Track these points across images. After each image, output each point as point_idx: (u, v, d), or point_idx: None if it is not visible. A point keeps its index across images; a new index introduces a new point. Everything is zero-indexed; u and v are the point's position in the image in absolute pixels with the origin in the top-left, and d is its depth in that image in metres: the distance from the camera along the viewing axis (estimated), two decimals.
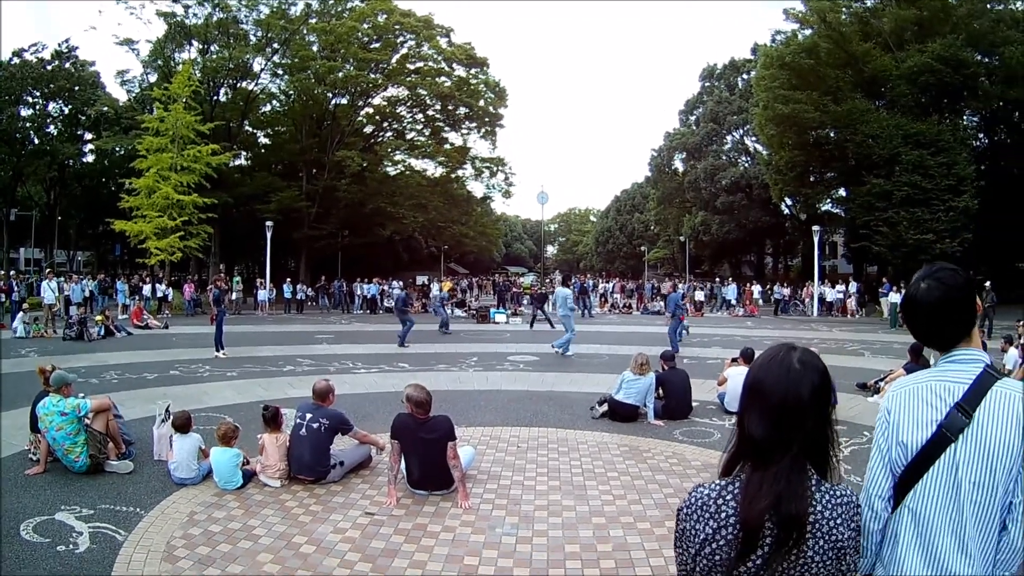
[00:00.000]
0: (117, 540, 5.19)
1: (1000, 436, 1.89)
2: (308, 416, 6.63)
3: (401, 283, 37.58)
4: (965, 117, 38.01)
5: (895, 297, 26.21)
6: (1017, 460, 1.90)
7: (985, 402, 1.92)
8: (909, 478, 1.95)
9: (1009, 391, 1.93)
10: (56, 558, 4.88)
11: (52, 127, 47.02)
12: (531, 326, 24.35)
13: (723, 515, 1.70)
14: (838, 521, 1.69)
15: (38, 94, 44.97)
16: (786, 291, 36.13)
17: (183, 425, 6.72)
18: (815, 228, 35.30)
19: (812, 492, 1.69)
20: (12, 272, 27.82)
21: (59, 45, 45.13)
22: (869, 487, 2.02)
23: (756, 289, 36.65)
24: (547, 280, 45.80)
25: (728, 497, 1.71)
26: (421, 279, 44.62)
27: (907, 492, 1.96)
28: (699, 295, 36.93)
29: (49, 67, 44.56)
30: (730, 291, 35.79)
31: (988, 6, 34.50)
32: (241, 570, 4.72)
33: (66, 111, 46.90)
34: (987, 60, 34.72)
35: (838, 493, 1.73)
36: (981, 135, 39.40)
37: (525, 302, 35.57)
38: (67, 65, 45.52)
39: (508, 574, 4.75)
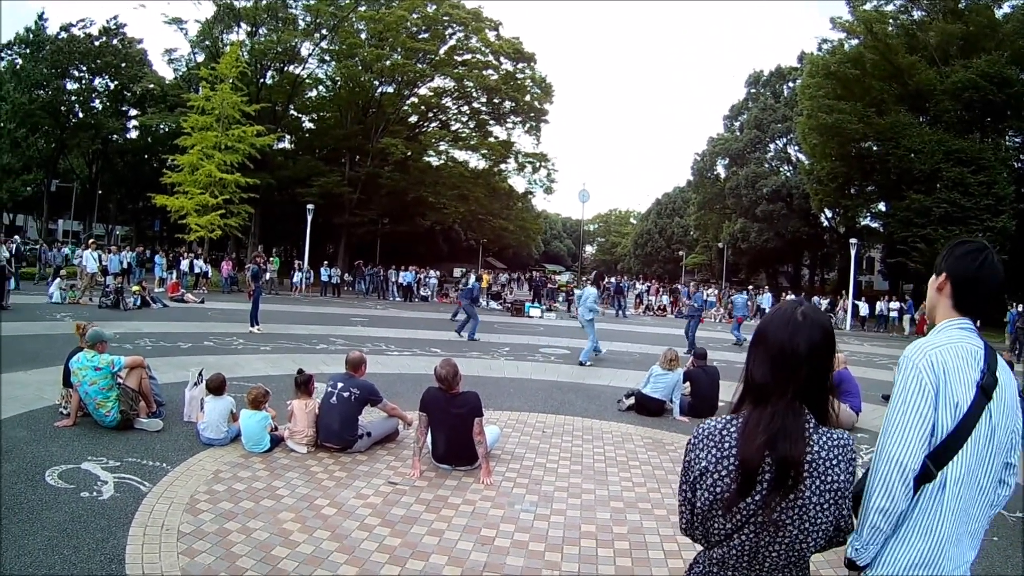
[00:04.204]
0: (141, 491, 5.22)
1: (1012, 396, 1.97)
2: (339, 385, 6.63)
3: (469, 273, 37.65)
4: (1007, 137, 37.22)
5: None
6: (1020, 419, 2.01)
7: (1000, 363, 1.98)
8: (953, 444, 1.90)
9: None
10: (79, 503, 4.91)
11: (97, 102, 47.51)
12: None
13: (726, 445, 1.81)
14: (834, 462, 1.76)
15: (84, 68, 45.46)
16: (824, 302, 35.63)
17: (218, 387, 6.76)
18: (852, 241, 34.82)
19: (809, 434, 1.76)
20: (16, 238, 27.78)
21: (107, 21, 45.95)
22: (903, 457, 1.89)
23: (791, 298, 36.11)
24: (583, 279, 45.66)
25: (732, 429, 1.83)
26: (458, 271, 44.55)
27: (944, 463, 1.89)
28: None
29: (96, 43, 45.12)
30: (765, 299, 35.41)
31: None
32: (262, 526, 4.70)
33: (112, 86, 47.34)
34: None
35: (835, 436, 1.80)
36: (1023, 156, 38.49)
37: (560, 299, 35.63)
38: (115, 41, 46.06)
39: (524, 547, 4.72)
